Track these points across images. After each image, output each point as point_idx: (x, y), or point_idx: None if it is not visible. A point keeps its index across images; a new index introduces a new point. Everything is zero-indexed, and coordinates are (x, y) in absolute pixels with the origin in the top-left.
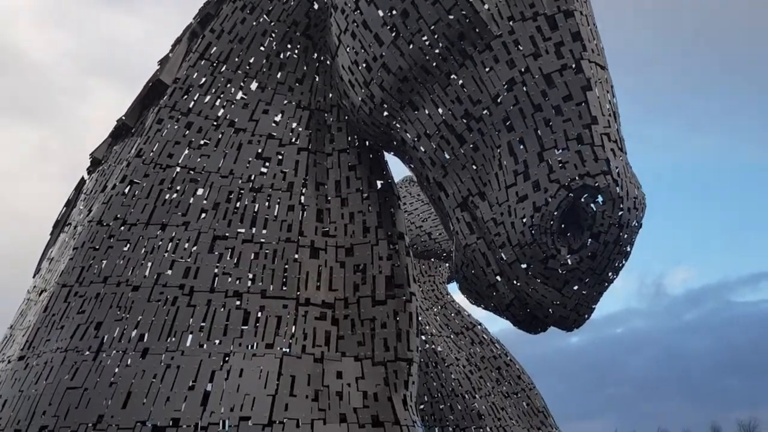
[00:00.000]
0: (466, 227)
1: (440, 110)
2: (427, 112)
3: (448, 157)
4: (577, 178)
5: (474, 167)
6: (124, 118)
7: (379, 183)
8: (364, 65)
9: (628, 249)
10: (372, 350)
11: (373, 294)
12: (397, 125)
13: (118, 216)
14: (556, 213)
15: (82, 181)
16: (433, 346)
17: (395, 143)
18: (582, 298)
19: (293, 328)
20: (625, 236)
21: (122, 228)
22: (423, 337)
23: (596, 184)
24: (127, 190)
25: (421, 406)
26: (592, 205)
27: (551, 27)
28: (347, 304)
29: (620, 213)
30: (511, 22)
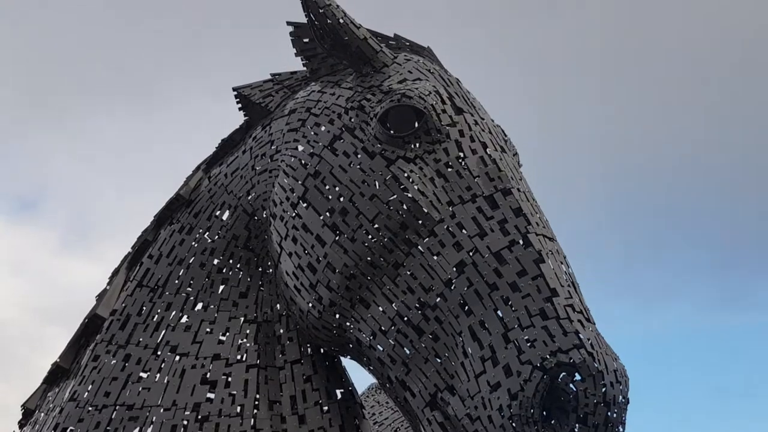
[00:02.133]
0: (440, 429)
1: (393, 303)
2: (379, 307)
3: (408, 352)
4: (548, 356)
5: (438, 359)
6: (58, 360)
7: (338, 392)
8: (308, 268)
9: (620, 429)
10: None
11: None
12: (350, 325)
13: None
14: (535, 398)
15: None
16: None
17: (350, 345)
18: None
19: None
20: (615, 415)
21: None
22: None
23: (571, 360)
24: None
25: None
26: (571, 384)
27: (492, 206)
28: None
29: (603, 389)
30: (451, 207)
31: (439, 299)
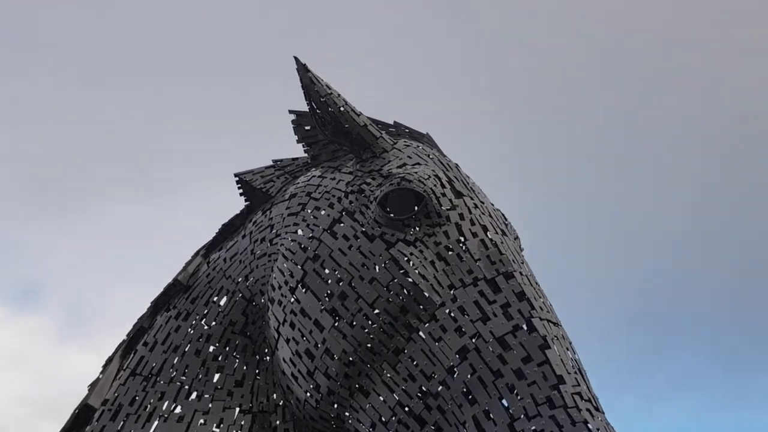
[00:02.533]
0: None
1: (393, 392)
2: (379, 395)
3: None
4: None
5: None
6: None
7: None
8: (306, 354)
9: None
10: None
11: None
12: (349, 415)
13: None
14: None
15: None
16: None
17: None
18: None
19: None
20: None
21: None
22: None
23: None
24: None
25: None
26: None
27: (494, 290)
28: None
29: None
30: (452, 290)
31: (441, 387)
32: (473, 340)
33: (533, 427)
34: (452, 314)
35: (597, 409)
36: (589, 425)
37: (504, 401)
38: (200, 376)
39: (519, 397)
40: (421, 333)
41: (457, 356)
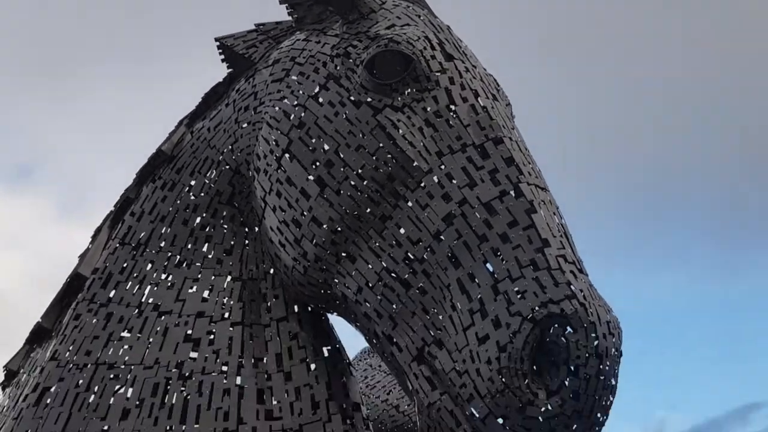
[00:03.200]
0: (427, 383)
1: (380, 258)
2: (365, 261)
3: (395, 306)
4: (538, 307)
5: (425, 313)
6: (41, 320)
7: (325, 350)
8: (293, 223)
9: (613, 382)
10: None
11: None
12: (336, 280)
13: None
14: (524, 351)
15: None
16: None
17: (337, 301)
18: None
19: None
20: (607, 367)
21: None
22: None
23: (562, 311)
24: (39, 400)
25: None
26: (562, 337)
27: (482, 156)
28: None
29: (596, 341)
30: (440, 157)
31: (427, 252)
32: (459, 206)
33: (516, 288)
34: (439, 181)
35: (581, 271)
36: (572, 286)
37: (489, 265)
38: (189, 245)
39: (503, 261)
40: (407, 200)
41: (443, 222)
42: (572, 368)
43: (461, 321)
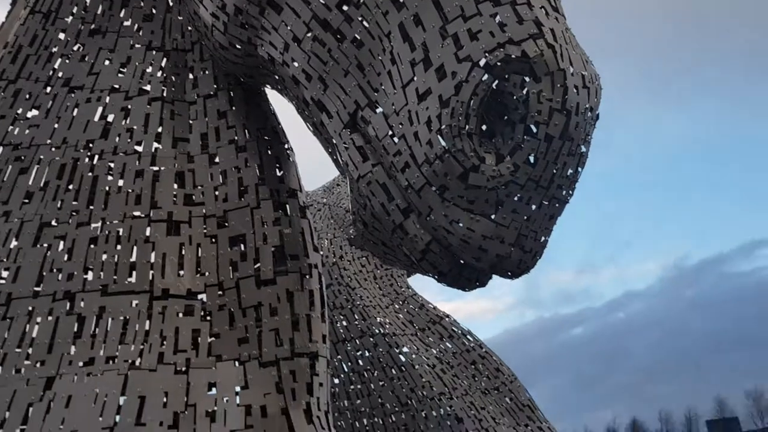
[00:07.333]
0: (358, 154)
1: (309, 3)
2: (293, 9)
3: (325, 64)
4: (494, 49)
5: (360, 71)
6: None
7: (259, 131)
8: None
9: (583, 149)
10: (259, 347)
11: (257, 272)
12: (260, 39)
13: None
14: (471, 104)
15: None
16: (397, 349)
17: (263, 68)
18: (525, 226)
19: (145, 331)
20: (576, 128)
21: None
22: (386, 339)
23: (523, 53)
24: None
25: (392, 417)
26: (522, 88)
27: None
28: (223, 290)
29: (565, 94)
30: None
31: None
32: None
33: (468, 27)
34: None
35: (555, 9)
36: (542, 25)
37: (439, 1)
38: (104, 11)
39: None
40: None
41: None
42: (531, 126)
43: (401, 76)
